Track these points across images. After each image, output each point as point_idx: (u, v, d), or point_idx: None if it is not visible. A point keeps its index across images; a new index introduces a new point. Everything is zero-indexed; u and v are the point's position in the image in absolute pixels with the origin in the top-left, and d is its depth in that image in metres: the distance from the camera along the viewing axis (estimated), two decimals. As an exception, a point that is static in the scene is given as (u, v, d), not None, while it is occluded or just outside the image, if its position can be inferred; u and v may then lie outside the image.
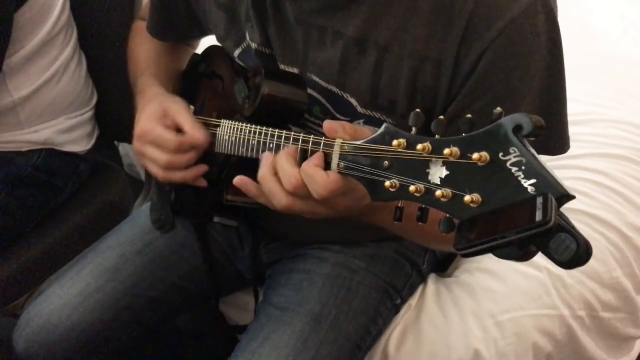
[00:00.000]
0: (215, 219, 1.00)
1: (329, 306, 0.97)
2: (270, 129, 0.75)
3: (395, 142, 0.57)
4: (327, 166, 0.66)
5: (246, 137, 0.79)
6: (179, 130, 0.87)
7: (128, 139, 1.47)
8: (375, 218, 0.77)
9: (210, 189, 0.91)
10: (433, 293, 1.13)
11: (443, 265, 1.23)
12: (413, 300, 1.11)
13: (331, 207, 0.70)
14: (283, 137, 0.73)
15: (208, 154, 0.89)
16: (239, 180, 0.74)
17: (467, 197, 0.50)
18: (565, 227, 0.44)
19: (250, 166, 0.76)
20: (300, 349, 0.92)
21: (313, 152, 0.68)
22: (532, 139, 0.48)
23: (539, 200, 0.45)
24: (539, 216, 0.44)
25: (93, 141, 1.37)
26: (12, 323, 1.10)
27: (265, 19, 0.85)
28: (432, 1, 0.74)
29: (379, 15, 0.77)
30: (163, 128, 0.87)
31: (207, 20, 0.97)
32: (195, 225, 1.09)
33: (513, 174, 0.48)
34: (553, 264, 0.46)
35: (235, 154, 0.82)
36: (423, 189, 0.54)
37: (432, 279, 1.16)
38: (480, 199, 0.49)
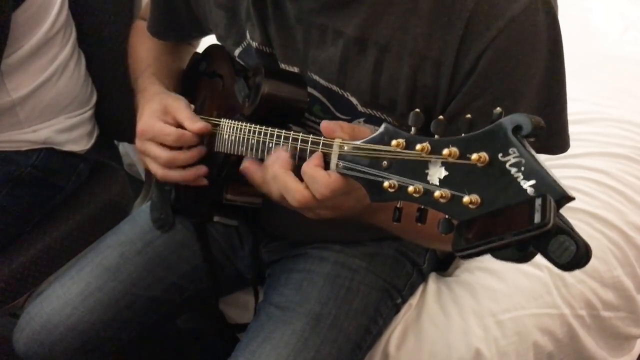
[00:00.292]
0: (216, 219, 1.00)
1: (329, 306, 0.97)
2: (270, 128, 0.75)
3: (394, 142, 0.57)
4: (326, 166, 0.66)
5: (246, 136, 0.79)
6: (179, 127, 0.87)
7: (128, 138, 1.47)
8: (375, 218, 0.77)
9: (210, 188, 0.91)
10: (434, 292, 1.13)
11: (444, 265, 1.23)
12: (414, 300, 1.11)
13: (336, 208, 0.70)
14: (282, 136, 0.73)
15: (208, 153, 0.89)
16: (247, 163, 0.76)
17: (466, 198, 0.49)
18: (565, 229, 0.44)
19: None
20: (300, 349, 0.93)
21: (312, 152, 0.68)
22: (531, 139, 0.48)
23: (538, 201, 0.44)
24: (537, 218, 0.44)
25: (93, 140, 1.36)
26: (12, 323, 1.10)
27: (265, 17, 0.85)
28: (432, 0, 0.74)
29: (380, 14, 0.77)
30: (163, 123, 0.87)
31: (207, 20, 0.97)
32: (195, 225, 1.09)
33: (512, 174, 0.47)
34: (553, 264, 0.46)
35: (235, 153, 0.82)
36: (422, 190, 0.54)
37: (432, 278, 1.16)
38: (479, 200, 0.49)
